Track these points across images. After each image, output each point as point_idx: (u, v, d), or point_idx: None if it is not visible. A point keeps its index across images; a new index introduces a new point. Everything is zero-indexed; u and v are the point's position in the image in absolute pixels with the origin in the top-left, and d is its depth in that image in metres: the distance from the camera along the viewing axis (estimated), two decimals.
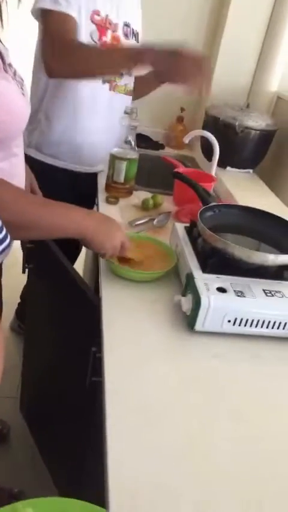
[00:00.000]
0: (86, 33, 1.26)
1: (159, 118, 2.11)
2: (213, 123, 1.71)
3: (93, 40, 1.27)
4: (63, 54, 1.15)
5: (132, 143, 1.35)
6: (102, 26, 1.29)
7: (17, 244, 1.48)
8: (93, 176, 1.53)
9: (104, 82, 1.36)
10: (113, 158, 1.35)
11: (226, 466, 0.59)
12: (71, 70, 1.19)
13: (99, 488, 0.56)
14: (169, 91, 2.05)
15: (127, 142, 1.36)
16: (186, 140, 1.53)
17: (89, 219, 0.84)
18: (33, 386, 1.43)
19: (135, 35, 1.43)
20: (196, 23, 1.99)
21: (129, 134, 1.35)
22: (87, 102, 1.36)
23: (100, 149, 1.44)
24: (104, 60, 1.20)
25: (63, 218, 0.80)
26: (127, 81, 1.43)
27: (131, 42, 1.40)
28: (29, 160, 1.44)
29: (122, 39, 1.37)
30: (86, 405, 0.93)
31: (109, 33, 1.32)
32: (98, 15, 1.27)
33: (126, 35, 1.38)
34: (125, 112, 1.34)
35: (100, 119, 1.40)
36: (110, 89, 1.39)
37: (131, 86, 1.47)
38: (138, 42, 1.43)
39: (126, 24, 1.38)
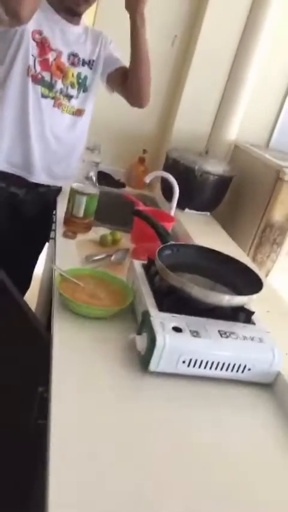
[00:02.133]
0: (25, 48, 1.33)
1: (121, 157, 2.15)
2: (173, 166, 1.76)
3: (32, 55, 1.35)
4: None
5: (94, 179, 1.36)
6: (44, 44, 1.36)
7: None
8: (37, 197, 1.53)
9: (45, 97, 1.41)
10: (74, 193, 1.35)
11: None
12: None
13: None
14: (133, 132, 2.13)
15: (88, 177, 1.36)
16: (147, 180, 1.56)
17: None
18: None
19: (87, 62, 1.47)
20: (160, 71, 2.08)
21: (91, 170, 1.35)
22: (31, 111, 1.40)
23: (40, 161, 1.47)
24: None
25: None
26: (76, 104, 1.48)
27: (82, 68, 1.46)
28: None
29: (67, 66, 1.43)
30: (31, 446, 0.86)
31: (52, 55, 1.38)
32: (40, 34, 1.35)
33: (72, 64, 1.44)
34: (88, 148, 1.35)
35: (41, 128, 1.43)
36: (54, 106, 1.44)
37: (81, 108, 1.50)
38: (91, 68, 1.49)
39: (73, 54, 1.44)
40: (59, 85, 1.43)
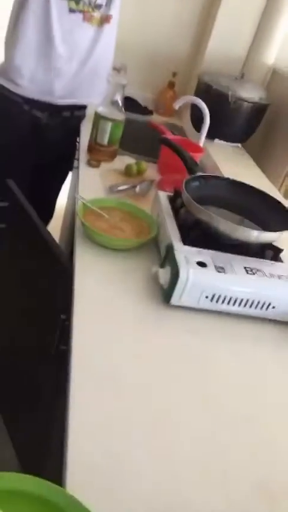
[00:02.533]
0: None
1: (149, 81, 2.01)
2: (205, 91, 1.63)
3: None
4: None
5: (120, 103, 1.27)
6: None
7: None
8: (60, 122, 1.47)
9: (73, 11, 1.30)
10: (98, 118, 1.27)
11: (189, 442, 0.57)
12: None
13: (61, 461, 0.53)
14: (162, 52, 1.97)
15: (114, 102, 1.28)
16: (176, 106, 1.46)
17: None
18: None
19: None
20: None
21: (117, 92, 1.26)
22: (56, 28, 1.31)
23: (69, 81, 1.40)
24: None
25: None
26: (104, 13, 1.37)
27: None
28: None
29: None
30: (53, 374, 0.90)
31: None
32: None
33: None
34: (114, 68, 1.25)
35: (68, 46, 1.35)
36: (83, 20, 1.33)
37: (108, 13, 1.39)
38: None
39: None
40: None
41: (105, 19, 1.38)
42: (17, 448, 1.27)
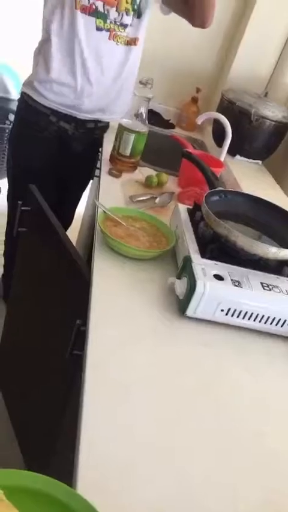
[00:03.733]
0: None
1: (172, 95, 2.04)
2: (228, 108, 1.65)
3: None
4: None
5: (144, 115, 1.30)
6: None
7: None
8: (86, 134, 1.50)
9: (100, 29, 1.32)
10: (122, 129, 1.30)
11: (199, 453, 0.57)
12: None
13: (68, 467, 0.53)
14: (187, 68, 2.00)
15: (138, 114, 1.30)
16: (199, 121, 1.48)
17: None
18: (12, 351, 1.40)
19: None
20: (223, 6, 1.91)
21: (142, 106, 1.29)
22: (84, 45, 1.33)
23: (95, 98, 1.42)
24: None
25: None
26: (130, 32, 1.38)
27: None
28: (21, 101, 1.45)
29: None
30: (65, 377, 0.91)
31: None
32: None
33: None
34: (140, 82, 1.28)
35: (94, 65, 1.37)
36: (109, 39, 1.35)
37: (133, 36, 1.40)
38: None
39: None
40: (113, 14, 1.32)
41: (132, 41, 1.40)
42: (23, 448, 1.28)
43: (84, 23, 1.30)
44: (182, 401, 0.64)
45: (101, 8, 1.30)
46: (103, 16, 1.31)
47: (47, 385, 1.06)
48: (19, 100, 1.48)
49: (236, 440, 0.61)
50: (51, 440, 0.99)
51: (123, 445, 0.55)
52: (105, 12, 1.31)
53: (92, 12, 1.29)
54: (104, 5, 1.30)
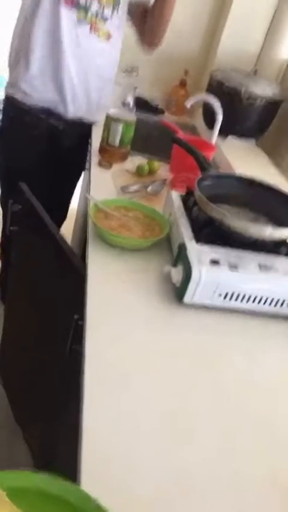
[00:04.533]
0: None
1: (160, 80, 2.01)
2: (217, 89, 1.62)
3: None
4: None
5: (131, 104, 1.28)
6: None
7: None
8: (76, 128, 1.48)
9: (81, 22, 1.29)
10: (109, 120, 1.28)
11: (202, 441, 0.57)
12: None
13: (73, 460, 0.53)
14: (173, 51, 1.96)
15: (125, 103, 1.29)
16: (188, 104, 1.45)
17: None
18: (13, 349, 1.41)
19: None
20: None
21: (128, 94, 1.27)
22: (65, 40, 1.29)
23: (78, 94, 1.40)
24: None
25: None
26: (110, 27, 1.35)
27: None
28: (7, 103, 1.42)
29: None
30: (65, 373, 0.90)
31: None
32: None
33: None
34: (126, 70, 1.25)
35: (77, 59, 1.34)
36: (90, 31, 1.32)
37: (112, 33, 1.37)
38: None
39: None
40: (95, 6, 1.29)
41: (111, 36, 1.37)
42: (30, 446, 1.29)
43: (65, 16, 1.27)
44: (184, 388, 0.64)
45: (82, 0, 1.27)
46: (84, 8, 1.28)
47: (48, 382, 1.07)
48: (5, 102, 1.45)
49: (239, 424, 0.60)
50: (55, 437, 1.00)
51: (125, 434, 0.55)
52: (87, 4, 1.28)
53: (74, 4, 1.26)
54: None
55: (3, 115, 1.49)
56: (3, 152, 1.53)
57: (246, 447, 0.58)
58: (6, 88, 1.42)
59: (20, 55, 1.36)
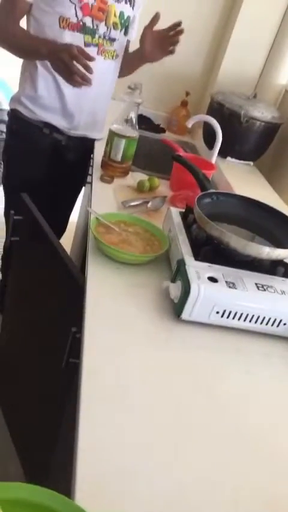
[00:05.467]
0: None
1: (162, 100, 2.05)
2: (217, 110, 1.66)
3: (70, 1, 1.25)
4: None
5: (134, 121, 1.30)
6: None
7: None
8: (79, 143, 1.51)
9: (89, 45, 1.32)
10: (112, 135, 1.30)
11: (198, 458, 0.57)
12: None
13: (67, 474, 0.52)
14: (176, 72, 2.01)
15: (128, 119, 1.31)
16: (189, 124, 1.48)
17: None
18: (8, 363, 1.39)
19: (130, 1, 1.37)
20: (210, 7, 1.92)
21: (131, 111, 1.29)
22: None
23: (84, 113, 1.42)
24: (22, 50, 1.31)
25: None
26: (117, 47, 1.40)
27: (124, 6, 1.35)
28: (12, 116, 1.44)
29: (112, 2, 1.31)
30: (61, 386, 0.90)
31: None
32: None
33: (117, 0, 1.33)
34: (129, 87, 1.28)
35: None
36: (97, 53, 1.35)
37: (119, 52, 1.43)
38: (133, 8, 1.38)
39: None
40: (102, 28, 1.32)
41: (117, 57, 1.41)
42: (23, 460, 1.27)
43: (71, 40, 1.29)
44: (180, 405, 0.64)
45: (89, 24, 1.30)
46: (92, 31, 1.31)
47: (44, 395, 1.06)
48: (9, 115, 1.47)
49: (235, 442, 0.61)
50: (50, 450, 0.99)
51: (121, 450, 0.54)
52: (94, 27, 1.31)
53: (80, 28, 1.29)
54: (92, 20, 1.30)
55: (8, 128, 1.51)
56: (8, 165, 1.54)
57: (242, 465, 0.58)
58: (12, 101, 1.44)
59: (26, 71, 1.38)
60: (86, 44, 1.32)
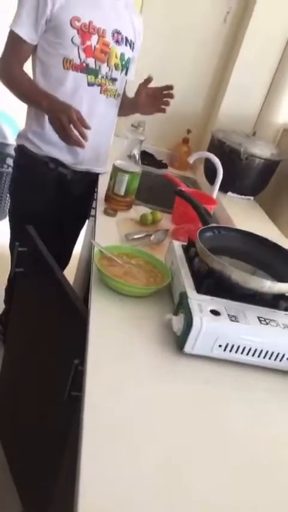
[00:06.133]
0: (67, 38, 1.30)
1: (164, 137, 2.12)
2: (218, 147, 1.71)
3: (73, 43, 1.32)
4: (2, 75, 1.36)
5: (137, 157, 1.34)
6: (85, 31, 1.32)
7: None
8: (83, 177, 1.55)
9: (92, 84, 1.39)
10: (116, 170, 1.34)
11: (201, 493, 0.55)
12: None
13: (67, 506, 0.51)
14: (177, 111, 2.08)
15: (131, 156, 1.35)
16: (190, 160, 1.53)
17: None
18: (9, 394, 1.37)
19: (129, 42, 1.45)
20: (211, 47, 2.02)
21: (135, 147, 1.33)
22: (75, 101, 1.35)
23: (88, 148, 1.43)
24: (24, 96, 1.37)
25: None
26: (118, 86, 1.47)
27: (125, 48, 1.43)
28: (18, 151, 1.49)
29: (113, 45, 1.39)
30: (62, 419, 0.89)
31: (94, 38, 1.34)
32: (78, 21, 1.30)
33: (117, 42, 1.40)
34: (132, 125, 1.33)
35: (87, 119, 1.38)
36: (100, 92, 1.42)
37: (120, 91, 1.50)
38: (133, 50, 1.46)
39: (117, 31, 1.39)
40: (104, 68, 1.39)
41: (118, 96, 1.48)
42: (21, 492, 1.23)
43: (74, 80, 1.36)
44: (183, 439, 0.63)
45: (92, 65, 1.37)
46: (94, 72, 1.38)
47: (45, 428, 1.04)
48: (16, 151, 1.52)
49: (238, 477, 0.59)
50: (49, 485, 0.96)
51: (123, 484, 0.53)
52: (97, 68, 1.38)
53: (83, 69, 1.36)
54: (95, 61, 1.37)
55: (15, 162, 1.55)
56: (14, 198, 1.58)
57: (245, 500, 0.56)
58: (19, 138, 1.49)
59: (31, 110, 1.43)
60: (90, 84, 1.38)
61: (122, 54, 1.42)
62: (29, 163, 1.48)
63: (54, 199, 1.54)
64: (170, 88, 1.39)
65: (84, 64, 1.35)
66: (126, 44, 1.43)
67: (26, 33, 1.30)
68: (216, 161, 1.52)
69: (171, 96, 1.40)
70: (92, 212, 1.52)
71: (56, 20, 1.28)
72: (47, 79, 1.37)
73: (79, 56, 1.34)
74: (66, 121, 1.20)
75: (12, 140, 2.86)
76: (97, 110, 1.43)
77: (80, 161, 1.50)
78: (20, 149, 1.49)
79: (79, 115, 1.21)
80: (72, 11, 1.29)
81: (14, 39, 1.31)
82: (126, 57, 1.43)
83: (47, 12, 1.26)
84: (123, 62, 1.43)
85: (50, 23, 1.29)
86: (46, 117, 1.38)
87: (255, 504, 0.57)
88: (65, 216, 1.62)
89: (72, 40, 1.31)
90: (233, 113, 2.00)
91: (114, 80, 1.43)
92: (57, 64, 1.34)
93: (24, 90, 1.35)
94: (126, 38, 1.43)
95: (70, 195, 1.55)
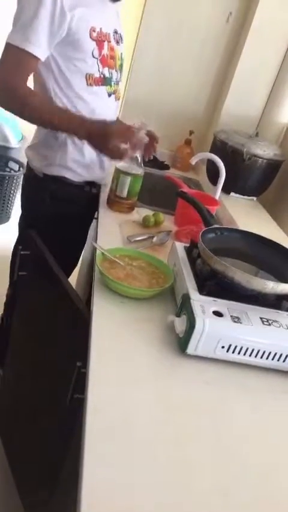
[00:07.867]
0: (88, 52, 1.22)
1: (167, 138, 2.11)
2: (221, 148, 1.71)
3: (93, 57, 1.24)
4: (6, 96, 1.17)
5: (139, 159, 1.34)
6: (99, 40, 1.24)
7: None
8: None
9: (110, 94, 1.36)
10: (118, 172, 1.34)
11: (204, 495, 0.55)
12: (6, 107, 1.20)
13: (68, 510, 0.51)
14: (180, 112, 2.09)
15: (133, 158, 1.35)
16: (193, 161, 1.52)
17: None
18: (11, 397, 1.38)
19: (121, 38, 1.41)
20: (213, 48, 2.02)
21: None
22: (103, 115, 1.30)
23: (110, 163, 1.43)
24: (44, 124, 1.23)
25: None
26: (120, 87, 1.44)
27: (122, 46, 1.40)
28: (58, 184, 1.38)
29: (116, 47, 1.35)
30: (65, 423, 0.89)
31: (106, 45, 1.28)
32: (94, 31, 1.21)
33: (117, 42, 1.36)
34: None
35: None
36: (115, 100, 1.39)
37: (121, 91, 1.46)
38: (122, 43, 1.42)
39: (115, 32, 1.34)
40: (115, 74, 1.35)
41: (119, 95, 1.44)
42: (22, 495, 1.23)
43: (97, 95, 1.29)
44: (185, 439, 0.63)
45: (107, 74, 1.30)
46: (109, 81, 1.32)
47: (47, 431, 1.04)
48: (50, 181, 1.37)
49: (240, 478, 0.59)
50: (51, 487, 0.96)
51: (126, 486, 0.53)
52: (110, 75, 1.32)
53: (102, 82, 1.29)
54: (108, 69, 1.31)
55: (47, 193, 1.40)
56: (25, 203, 1.51)
57: (246, 501, 0.56)
58: (56, 167, 1.34)
59: (63, 137, 1.30)
60: (109, 94, 1.34)
61: (121, 54, 1.40)
62: (66, 194, 1.39)
63: (83, 222, 1.52)
64: (155, 139, 1.39)
65: (101, 76, 1.28)
66: (122, 42, 1.40)
67: (42, 52, 1.13)
68: (219, 162, 1.51)
69: (153, 146, 1.40)
70: (95, 215, 1.51)
71: (76, 34, 1.16)
72: (65, 97, 1.25)
73: (98, 70, 1.26)
74: (125, 148, 1.15)
75: (14, 143, 2.85)
76: (113, 117, 1.40)
77: (107, 175, 1.46)
78: (58, 179, 1.35)
79: (138, 136, 1.16)
80: (90, 21, 1.18)
81: (20, 54, 1.11)
82: (123, 56, 1.41)
83: (64, 26, 1.13)
84: (122, 62, 1.42)
85: (68, 37, 1.16)
86: (84, 143, 1.26)
87: (256, 504, 0.56)
88: (72, 223, 1.57)
89: (92, 54, 1.22)
90: (235, 114, 1.99)
91: (118, 82, 1.42)
92: (80, 81, 1.24)
93: (45, 120, 1.19)
94: (121, 36, 1.39)
95: (94, 210, 1.46)
